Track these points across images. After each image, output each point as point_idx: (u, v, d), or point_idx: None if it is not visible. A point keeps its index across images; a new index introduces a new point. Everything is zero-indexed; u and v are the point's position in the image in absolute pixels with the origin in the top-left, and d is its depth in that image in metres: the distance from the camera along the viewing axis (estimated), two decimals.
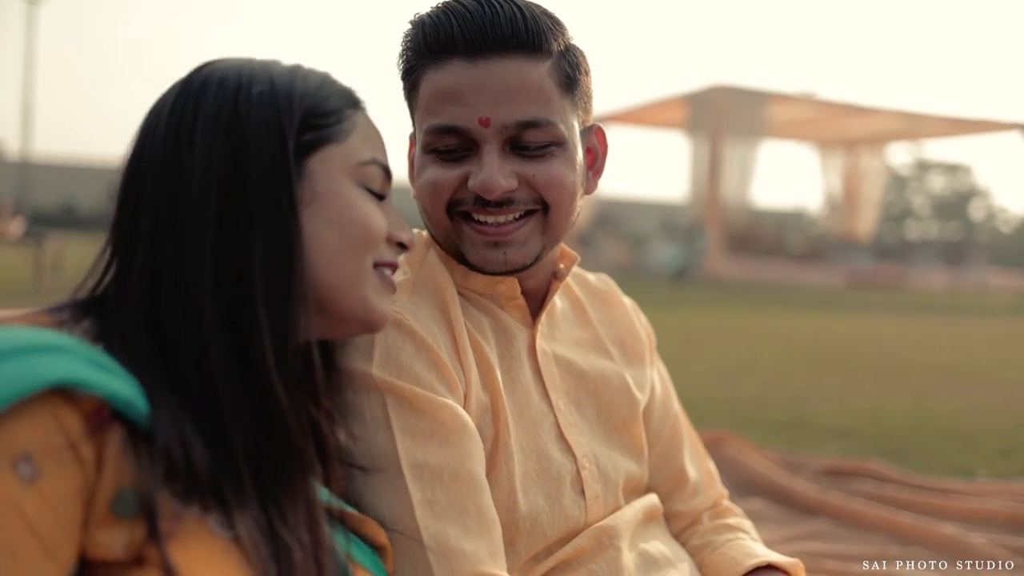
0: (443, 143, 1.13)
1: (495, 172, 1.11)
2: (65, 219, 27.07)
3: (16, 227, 10.34)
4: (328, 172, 0.90)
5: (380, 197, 0.96)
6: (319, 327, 0.92)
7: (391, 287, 0.98)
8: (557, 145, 1.14)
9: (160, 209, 0.84)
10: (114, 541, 0.72)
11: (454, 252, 1.19)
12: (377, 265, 0.95)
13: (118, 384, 0.74)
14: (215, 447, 0.80)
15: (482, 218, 1.14)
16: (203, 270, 0.82)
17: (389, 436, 1.04)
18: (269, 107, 0.87)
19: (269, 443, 0.84)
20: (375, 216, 0.93)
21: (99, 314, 0.84)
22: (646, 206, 42.71)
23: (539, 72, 1.12)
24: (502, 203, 1.13)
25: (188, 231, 0.83)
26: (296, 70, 0.93)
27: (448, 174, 1.14)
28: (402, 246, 0.99)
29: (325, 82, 0.94)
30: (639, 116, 21.96)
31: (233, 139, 0.85)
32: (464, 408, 1.12)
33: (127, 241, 0.85)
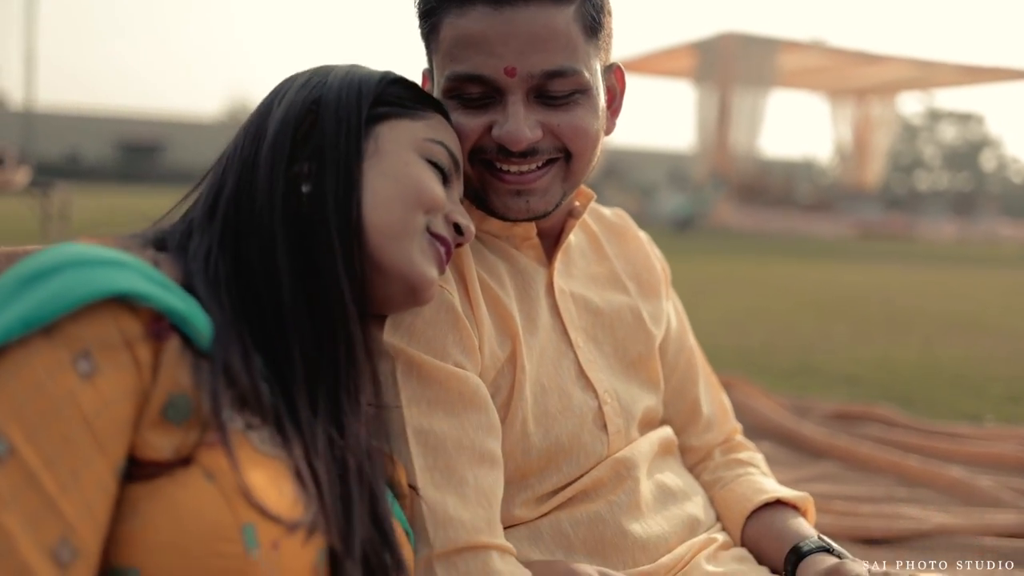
0: (466, 91, 1.11)
1: (521, 124, 1.09)
2: (70, 169, 27.02)
3: (22, 177, 10.32)
4: (394, 137, 1.03)
5: (444, 175, 1.06)
6: (370, 284, 1.00)
7: (439, 261, 1.04)
8: (581, 92, 1.13)
9: (245, 148, 1.00)
10: (163, 443, 0.77)
11: (475, 198, 1.19)
12: (429, 234, 1.03)
13: (175, 300, 0.80)
14: (276, 367, 0.88)
15: (505, 167, 1.13)
16: (274, 194, 0.96)
17: (397, 401, 1.05)
18: (351, 79, 1.04)
19: (332, 361, 0.93)
20: (430, 181, 1.03)
21: (163, 247, 0.95)
22: (653, 156, 42.42)
23: (564, 18, 1.09)
24: (526, 153, 1.12)
25: (266, 159, 0.98)
26: (380, 73, 1.08)
27: (471, 122, 1.12)
28: (458, 230, 1.06)
29: (404, 82, 1.09)
30: (647, 65, 21.69)
31: (314, 95, 1.01)
32: (480, 360, 1.12)
33: (218, 178, 1.00)
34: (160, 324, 0.79)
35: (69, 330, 0.74)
